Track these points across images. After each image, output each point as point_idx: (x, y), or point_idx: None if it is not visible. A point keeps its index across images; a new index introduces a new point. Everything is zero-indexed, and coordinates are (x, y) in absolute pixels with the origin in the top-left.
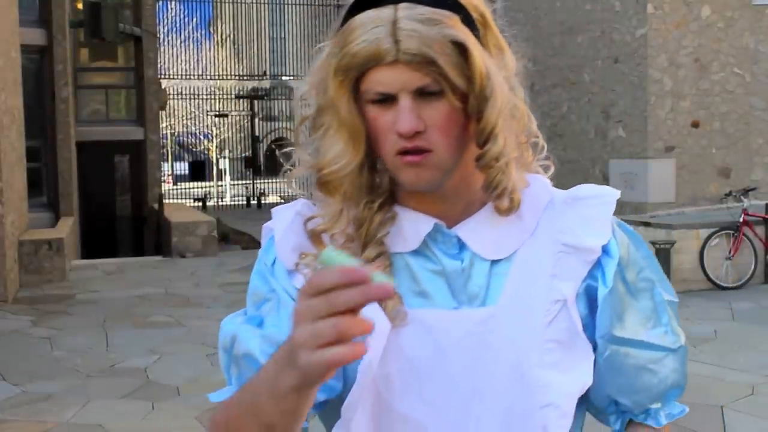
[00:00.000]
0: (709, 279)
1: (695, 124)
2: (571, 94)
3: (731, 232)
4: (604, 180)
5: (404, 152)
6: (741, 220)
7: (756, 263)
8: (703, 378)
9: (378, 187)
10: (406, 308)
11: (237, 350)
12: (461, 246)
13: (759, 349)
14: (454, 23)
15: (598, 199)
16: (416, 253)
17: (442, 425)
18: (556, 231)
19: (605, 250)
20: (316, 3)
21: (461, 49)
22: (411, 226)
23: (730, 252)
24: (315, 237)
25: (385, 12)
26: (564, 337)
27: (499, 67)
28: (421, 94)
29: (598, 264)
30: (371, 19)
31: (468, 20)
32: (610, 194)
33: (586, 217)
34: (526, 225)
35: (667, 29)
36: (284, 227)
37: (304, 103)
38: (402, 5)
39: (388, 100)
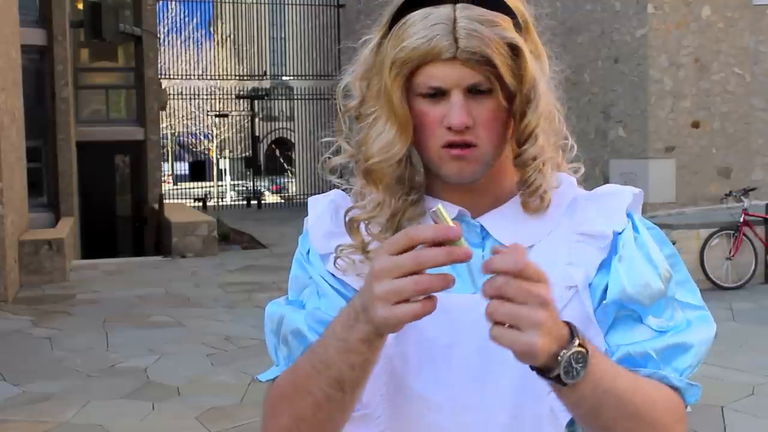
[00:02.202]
0: (709, 279)
1: (695, 124)
2: (571, 94)
3: (731, 232)
4: (604, 180)
5: (450, 145)
6: (741, 220)
7: (756, 263)
8: (703, 378)
9: (411, 181)
10: None
11: (285, 329)
12: (484, 235)
13: (759, 350)
14: (508, 26)
15: (616, 194)
16: None
17: (455, 405)
18: (575, 224)
19: (619, 234)
20: (316, 3)
21: (514, 51)
22: None
23: (730, 252)
24: (352, 227)
25: (443, 10)
26: (575, 324)
27: (541, 71)
28: (471, 91)
29: (613, 248)
30: (430, 15)
31: (517, 24)
32: (629, 190)
33: (601, 209)
34: (549, 220)
35: (667, 29)
36: (317, 214)
37: (345, 93)
38: (460, 5)
39: (438, 94)
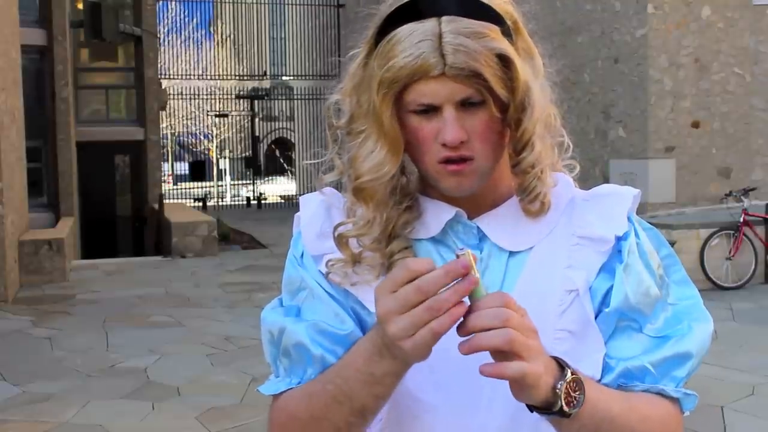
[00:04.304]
0: (709, 279)
1: (695, 125)
2: (571, 94)
3: (731, 232)
4: (604, 180)
5: (447, 161)
6: (741, 220)
7: (756, 263)
8: (703, 378)
9: (405, 188)
10: None
11: (286, 342)
12: (481, 237)
13: (759, 349)
14: (496, 35)
15: (616, 196)
16: (437, 240)
17: (453, 408)
18: (573, 226)
19: (622, 239)
20: (316, 3)
21: (504, 61)
22: (433, 214)
23: (730, 252)
24: (342, 242)
25: (428, 25)
26: (576, 327)
27: (534, 74)
28: (464, 104)
29: (616, 253)
30: (416, 32)
31: (506, 31)
32: (628, 191)
33: (602, 212)
34: (547, 222)
35: (667, 29)
36: (310, 215)
37: (336, 108)
38: (445, 18)
39: (430, 110)
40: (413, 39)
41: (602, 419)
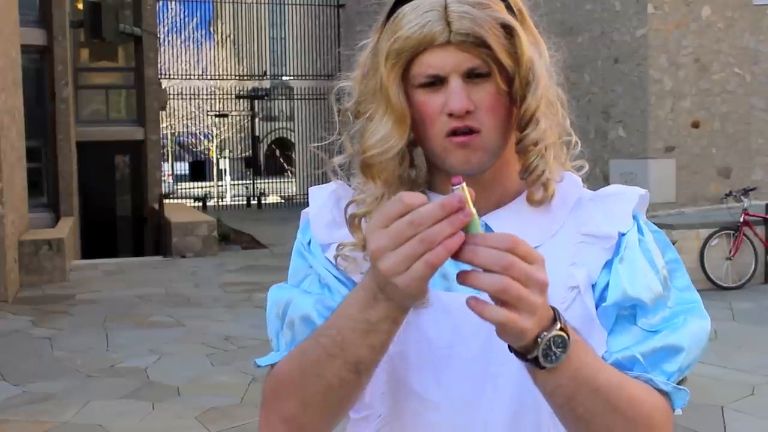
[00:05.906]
0: (709, 279)
1: (695, 124)
2: (571, 94)
3: (731, 232)
4: (604, 180)
5: (453, 133)
6: (741, 220)
7: (756, 263)
8: (703, 378)
9: (414, 180)
10: (430, 289)
11: (292, 314)
12: None
13: (759, 349)
14: (500, 8)
15: (620, 195)
16: None
17: (456, 406)
18: (579, 225)
19: (624, 235)
20: (316, 3)
21: (508, 31)
22: None
23: (730, 252)
24: (354, 222)
25: None
26: (578, 324)
27: (540, 57)
28: (470, 75)
29: (618, 249)
30: (421, 5)
31: (509, 8)
32: (634, 191)
33: (606, 210)
34: (554, 221)
35: (667, 29)
36: (319, 205)
37: (343, 95)
38: None
39: (436, 83)
40: (419, 11)
41: (582, 386)
